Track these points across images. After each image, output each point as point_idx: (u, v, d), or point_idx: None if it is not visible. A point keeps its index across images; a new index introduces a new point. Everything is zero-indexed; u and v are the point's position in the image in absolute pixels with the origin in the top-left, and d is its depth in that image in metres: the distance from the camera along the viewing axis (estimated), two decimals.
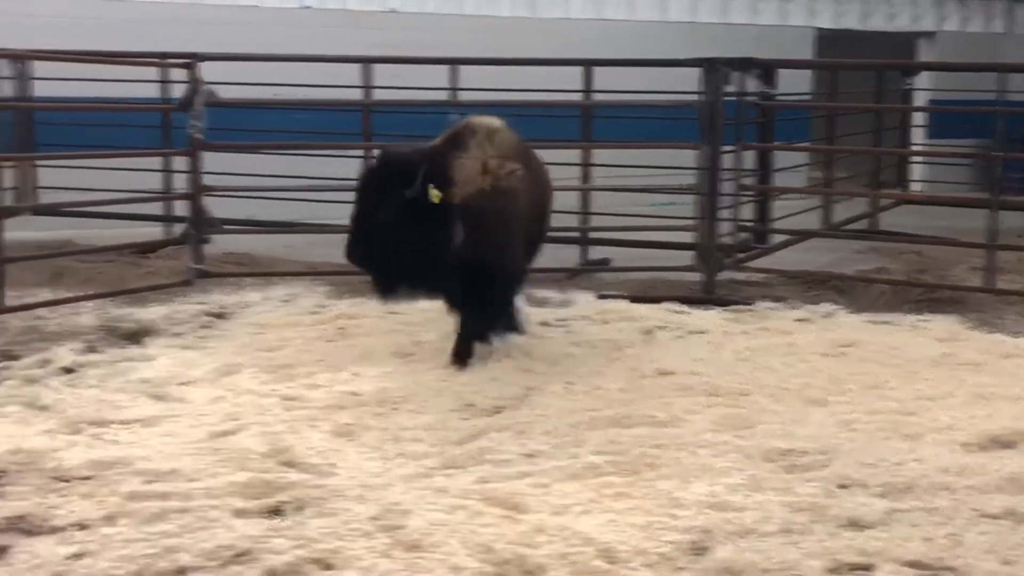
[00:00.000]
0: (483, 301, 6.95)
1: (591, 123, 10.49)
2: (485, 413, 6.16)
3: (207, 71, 9.04)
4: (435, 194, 6.52)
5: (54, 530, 4.56)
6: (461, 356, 6.92)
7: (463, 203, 6.66)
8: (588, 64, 10.41)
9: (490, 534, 4.49)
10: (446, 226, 6.62)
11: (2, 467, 5.19)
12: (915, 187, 14.71)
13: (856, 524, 4.71)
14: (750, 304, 8.87)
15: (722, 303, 8.99)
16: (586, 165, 10.45)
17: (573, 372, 6.86)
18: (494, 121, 7.11)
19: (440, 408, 6.19)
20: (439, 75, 9.79)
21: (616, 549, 4.41)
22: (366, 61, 10.34)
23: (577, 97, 10.49)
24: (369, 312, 8.19)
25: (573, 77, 10.40)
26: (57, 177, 11.06)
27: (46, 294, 8.88)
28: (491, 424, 5.95)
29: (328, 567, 4.24)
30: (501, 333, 7.19)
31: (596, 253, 10.67)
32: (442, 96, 9.72)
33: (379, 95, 10.40)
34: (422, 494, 4.92)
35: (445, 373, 6.79)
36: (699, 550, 4.46)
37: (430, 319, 8.02)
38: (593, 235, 10.67)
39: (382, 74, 10.44)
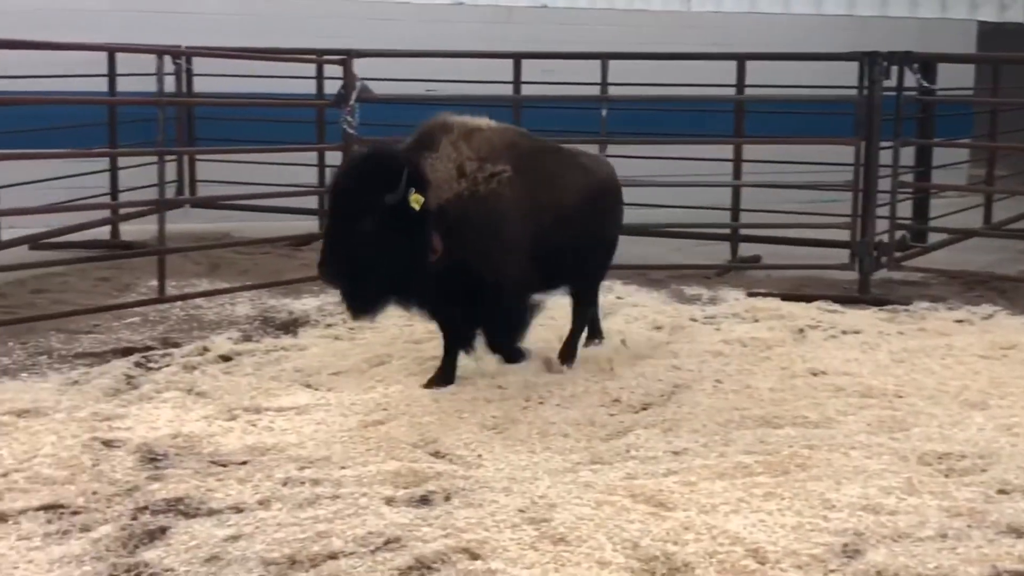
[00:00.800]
0: (490, 316, 6.44)
1: (744, 118, 10.36)
2: (632, 409, 6.14)
3: (361, 67, 9.18)
4: (416, 199, 5.95)
5: (211, 512, 4.68)
6: (510, 358, 6.55)
7: (439, 210, 6.09)
8: (741, 58, 10.29)
9: (636, 530, 4.46)
10: (424, 235, 6.04)
11: (162, 451, 5.36)
12: None
13: (1016, 531, 4.55)
14: (907, 304, 8.67)
15: (877, 303, 8.79)
16: (738, 161, 10.33)
17: (722, 370, 6.79)
18: (477, 120, 6.52)
19: (587, 403, 6.18)
20: (590, 70, 9.76)
21: (765, 549, 4.34)
22: (517, 57, 10.38)
23: (730, 92, 10.36)
24: None
25: (726, 71, 10.28)
26: (215, 171, 11.39)
27: (204, 284, 9.15)
28: (638, 420, 5.92)
29: (475, 557, 4.26)
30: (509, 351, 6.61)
31: (747, 250, 10.53)
32: (593, 91, 9.69)
33: (529, 90, 10.42)
34: (568, 488, 4.91)
35: (592, 368, 6.78)
36: (851, 553, 4.36)
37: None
38: (744, 232, 10.54)
39: (532, 69, 10.46)
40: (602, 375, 6.64)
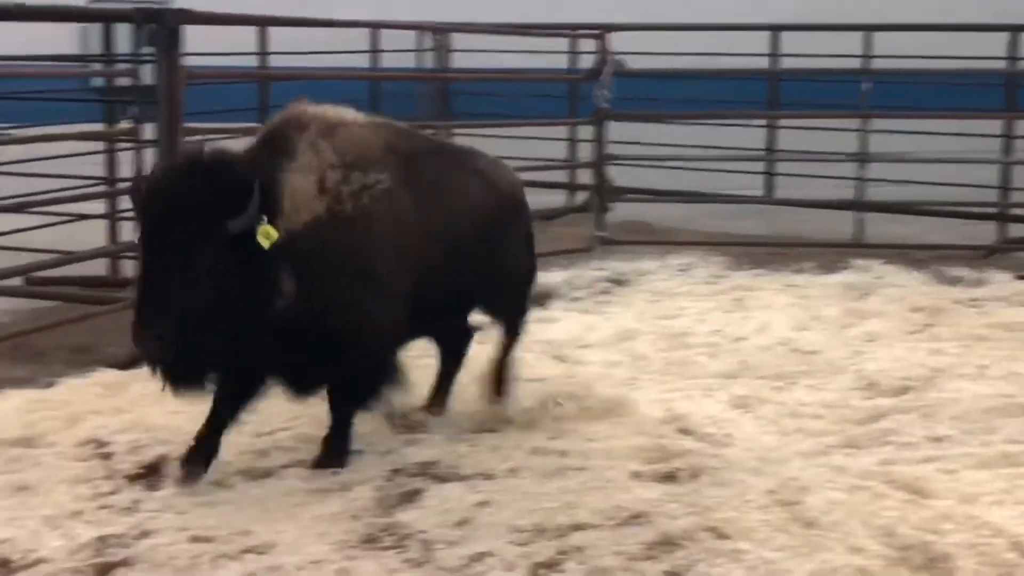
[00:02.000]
0: (339, 381, 4.88)
1: (1016, 92, 9.87)
2: (889, 393, 5.94)
3: (615, 41, 9.16)
4: (266, 232, 4.38)
5: (462, 478, 4.77)
6: (327, 459, 4.88)
7: (289, 240, 4.47)
8: (1015, 29, 9.80)
9: (892, 517, 4.31)
10: (272, 275, 4.47)
11: (418, 417, 5.48)
12: None
13: None
14: None
15: None
16: (1008, 136, 9.86)
17: (987, 355, 6.51)
18: (340, 111, 4.96)
19: (840, 385, 6.03)
20: (851, 42, 9.47)
21: None
22: (774, 29, 10.18)
23: (1000, 64, 9.88)
24: (766, 284, 8.10)
25: (997, 43, 9.81)
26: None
27: None
28: (895, 405, 5.72)
29: (723, 536, 4.20)
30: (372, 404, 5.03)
31: (1016, 231, 10.04)
32: (854, 64, 9.39)
33: (787, 63, 10.20)
34: (820, 471, 4.79)
35: (847, 351, 6.59)
36: None
37: (830, 295, 7.84)
38: (1014, 211, 10.05)
39: (791, 42, 10.24)
40: (857, 357, 6.44)
